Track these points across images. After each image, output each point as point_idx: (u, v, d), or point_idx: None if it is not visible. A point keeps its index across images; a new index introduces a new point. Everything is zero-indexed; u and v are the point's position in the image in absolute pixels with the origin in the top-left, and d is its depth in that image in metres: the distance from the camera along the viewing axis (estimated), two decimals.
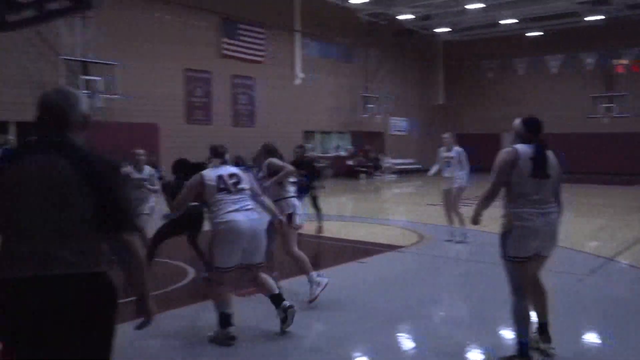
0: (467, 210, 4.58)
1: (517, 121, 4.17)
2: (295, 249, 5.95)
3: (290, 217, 5.93)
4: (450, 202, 9.27)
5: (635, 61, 28.11)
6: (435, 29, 30.47)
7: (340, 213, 14.33)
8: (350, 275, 7.21)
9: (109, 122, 16.51)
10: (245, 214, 4.65)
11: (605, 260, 7.93)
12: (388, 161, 28.92)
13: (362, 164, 26.82)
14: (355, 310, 5.56)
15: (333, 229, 10.58)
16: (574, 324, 5.19)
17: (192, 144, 16.84)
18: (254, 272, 4.84)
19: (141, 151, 7.72)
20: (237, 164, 6.52)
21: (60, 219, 2.18)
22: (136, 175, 7.47)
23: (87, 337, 2.20)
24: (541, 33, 29.46)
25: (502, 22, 28.15)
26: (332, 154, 26.95)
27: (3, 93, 15.23)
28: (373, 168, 27.50)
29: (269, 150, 6.29)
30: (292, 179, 10.82)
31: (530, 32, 29.62)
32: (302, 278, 6.98)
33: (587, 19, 26.61)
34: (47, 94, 2.36)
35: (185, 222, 6.78)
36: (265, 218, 5.39)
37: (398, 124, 31.16)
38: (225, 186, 4.71)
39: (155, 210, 7.77)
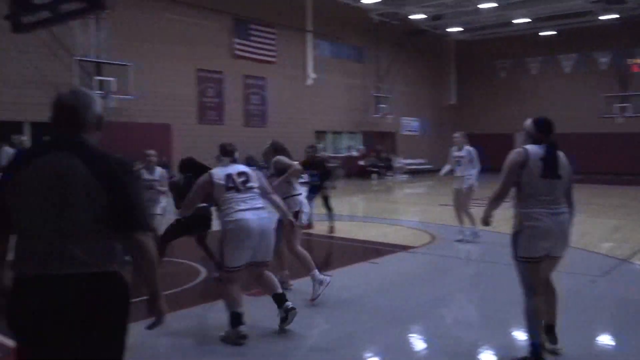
0: (478, 211, 4.56)
1: (528, 121, 4.15)
2: (299, 246, 5.96)
3: (296, 214, 5.95)
4: (461, 202, 9.26)
5: None
6: (447, 28, 30.36)
7: (351, 213, 14.32)
8: (361, 276, 7.20)
9: (122, 122, 16.62)
10: (254, 212, 4.65)
11: (619, 262, 7.86)
12: (400, 161, 28.85)
13: (373, 164, 26.77)
14: (365, 310, 5.55)
15: (344, 229, 10.58)
16: (586, 325, 5.16)
17: (204, 144, 16.90)
18: (260, 269, 4.86)
19: (152, 152, 7.75)
20: (248, 163, 6.55)
21: (75, 219, 2.19)
22: (147, 176, 7.51)
23: (100, 336, 2.22)
24: (554, 32, 29.24)
25: (515, 21, 27.97)
26: (344, 154, 26.92)
27: (18, 94, 15.39)
28: (385, 168, 27.44)
29: (277, 148, 6.32)
30: (303, 179, 10.89)
31: (544, 31, 29.40)
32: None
33: (601, 18, 26.37)
34: (61, 94, 2.38)
35: (194, 222, 6.81)
36: (275, 216, 5.40)
37: (410, 124, 31.08)
38: (234, 185, 4.72)
39: (167, 211, 7.82)
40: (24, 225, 2.24)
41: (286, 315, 4.82)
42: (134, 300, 2.33)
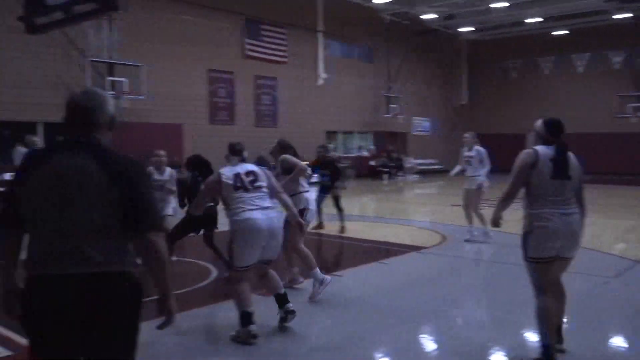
0: (489, 211, 4.55)
1: (539, 122, 4.15)
2: (302, 245, 5.97)
3: (302, 212, 5.96)
4: (471, 201, 9.27)
5: None
6: (458, 28, 30.25)
7: (362, 213, 14.31)
8: (372, 276, 7.20)
9: (134, 122, 16.72)
10: (263, 212, 4.66)
11: (632, 263, 7.78)
12: (410, 161, 28.78)
13: (384, 164, 26.73)
14: (376, 311, 5.55)
15: (355, 229, 10.57)
16: (599, 326, 5.12)
17: (216, 144, 16.96)
18: (265, 267, 4.88)
19: (162, 152, 7.79)
20: (259, 163, 6.56)
21: (88, 219, 2.21)
22: (157, 176, 7.56)
23: (112, 335, 2.24)
24: (567, 32, 29.02)
25: (527, 20, 27.80)
26: (354, 154, 26.90)
27: (31, 94, 15.53)
28: (395, 168, 27.38)
29: (284, 147, 6.33)
30: (314, 179, 10.90)
31: (556, 30, 29.19)
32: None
33: (615, 16, 26.13)
34: (74, 95, 2.40)
35: (199, 221, 6.85)
36: (283, 215, 5.41)
37: (421, 124, 30.99)
38: (242, 184, 4.72)
39: (178, 211, 7.86)
40: (38, 224, 2.25)
41: (285, 316, 4.90)
42: (144, 299, 2.35)
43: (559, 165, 3.93)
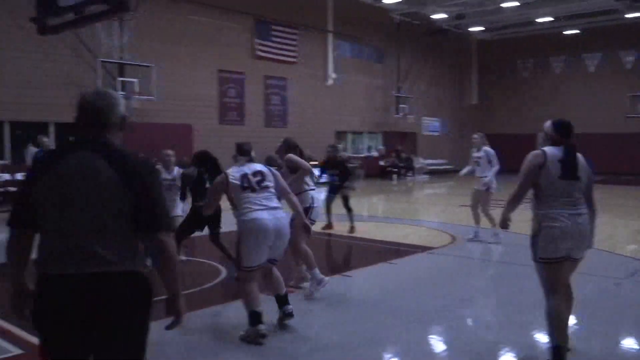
0: (499, 212, 4.53)
1: (548, 123, 4.15)
2: (304, 244, 5.99)
3: (307, 210, 5.97)
4: (478, 202, 9.30)
5: None
6: (469, 28, 30.13)
7: (372, 213, 14.30)
8: (381, 276, 7.19)
9: (144, 123, 16.81)
10: (270, 212, 4.67)
11: None
12: (420, 162, 28.71)
13: (394, 164, 26.68)
14: (385, 311, 5.54)
15: (364, 230, 10.57)
16: (610, 327, 5.08)
17: (225, 145, 17.01)
18: (270, 266, 4.90)
19: (170, 152, 7.85)
20: (268, 163, 6.58)
21: (99, 218, 2.22)
22: (165, 175, 7.62)
23: (123, 335, 2.25)
24: (578, 31, 28.82)
25: (538, 20, 27.65)
26: (364, 154, 26.88)
27: (43, 95, 15.66)
28: (405, 169, 27.33)
29: (290, 146, 6.34)
30: (323, 179, 10.90)
31: (567, 30, 29.01)
32: (335, 278, 7.02)
33: (627, 16, 25.92)
34: (86, 95, 2.41)
35: (202, 219, 6.89)
36: (289, 215, 5.42)
37: (431, 124, 30.90)
38: (249, 185, 4.74)
39: (186, 211, 7.89)
40: (49, 224, 2.26)
41: (283, 317, 4.95)
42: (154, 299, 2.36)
43: (568, 166, 3.92)
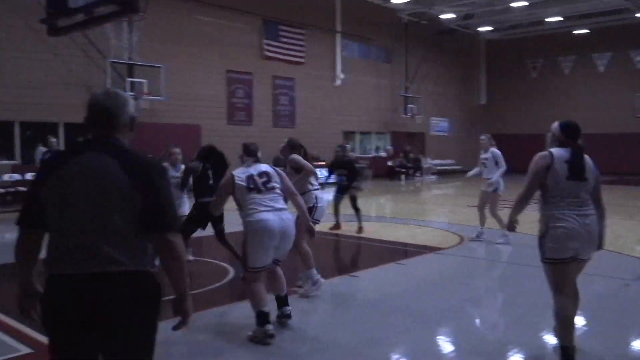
0: (507, 212, 4.52)
1: (555, 124, 4.16)
2: (304, 243, 6.01)
3: (310, 209, 5.98)
4: (486, 203, 9.35)
5: None
6: (477, 27, 30.04)
7: (379, 214, 14.28)
8: (389, 277, 7.19)
9: (153, 123, 16.89)
10: (275, 213, 4.68)
11: None
12: (428, 162, 28.66)
13: (402, 164, 26.64)
14: (393, 311, 5.54)
15: (372, 230, 10.56)
16: (619, 328, 5.05)
17: (234, 145, 17.05)
18: (274, 266, 4.92)
19: (177, 149, 7.92)
20: (276, 164, 6.60)
21: (108, 218, 2.23)
22: (173, 173, 7.69)
23: (131, 334, 2.26)
24: (587, 31, 28.66)
25: (547, 19, 27.51)
26: (372, 154, 26.86)
27: (53, 95, 15.77)
28: (413, 169, 27.28)
29: (294, 146, 6.34)
30: (331, 180, 10.90)
31: (577, 29, 28.85)
32: (343, 278, 7.03)
33: (637, 15, 25.74)
34: (96, 95, 2.42)
35: (205, 217, 6.92)
36: (294, 215, 5.43)
37: (439, 125, 30.83)
38: (255, 186, 4.75)
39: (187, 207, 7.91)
40: (58, 224, 2.28)
41: (281, 317, 4.96)
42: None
43: (575, 167, 3.93)
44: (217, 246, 7.47)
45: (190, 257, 7.39)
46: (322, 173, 19.62)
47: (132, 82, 16.90)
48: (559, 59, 30.68)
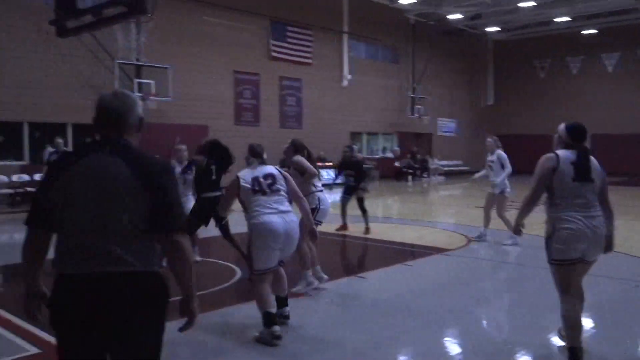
0: (514, 213, 4.51)
1: (562, 126, 4.16)
2: (304, 244, 6.01)
3: (312, 211, 5.97)
4: (492, 205, 9.36)
5: None
6: (485, 28, 29.95)
7: (386, 215, 14.26)
8: (396, 278, 7.17)
9: (160, 124, 16.93)
10: (280, 215, 4.69)
11: None
12: (435, 163, 28.59)
13: (409, 165, 26.60)
14: (400, 312, 5.52)
15: (380, 231, 10.54)
16: (628, 331, 5.02)
17: (241, 146, 17.08)
18: (277, 267, 4.93)
19: (182, 146, 8.03)
20: (282, 165, 6.61)
21: (116, 218, 2.24)
22: (179, 169, 7.76)
23: (139, 334, 2.26)
24: (596, 31, 28.50)
25: (555, 20, 27.39)
26: (379, 155, 26.84)
27: (61, 96, 15.86)
28: (420, 170, 27.23)
29: (297, 147, 6.33)
30: (338, 180, 10.89)
31: (585, 30, 28.71)
32: (350, 279, 7.02)
33: None
34: (104, 96, 2.43)
35: (207, 213, 6.94)
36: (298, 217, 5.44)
37: (446, 125, 30.76)
38: (260, 188, 4.76)
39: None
40: (67, 224, 2.28)
41: (280, 318, 4.96)
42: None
43: (581, 168, 3.94)
44: (224, 247, 7.47)
45: (198, 258, 7.41)
46: (329, 174, 19.73)
47: (139, 83, 16.96)
48: (567, 59, 30.54)
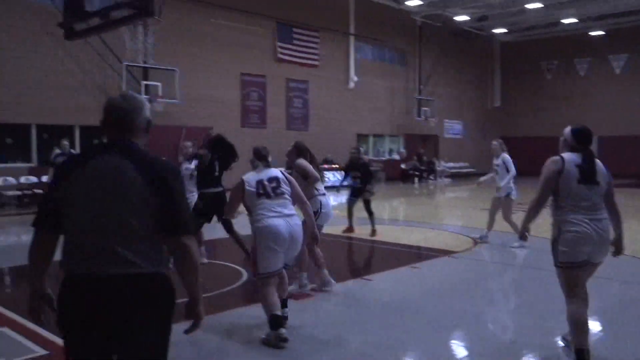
0: (520, 215, 4.49)
1: (567, 129, 4.19)
2: (304, 246, 6.02)
3: (314, 214, 5.98)
4: (497, 209, 9.35)
5: None
6: (492, 29, 29.88)
7: (393, 217, 14.23)
8: (403, 280, 7.15)
9: (167, 126, 16.99)
10: (284, 219, 4.70)
11: None
12: (442, 165, 28.53)
13: (415, 167, 26.55)
14: (406, 315, 5.51)
15: (386, 233, 10.52)
16: (635, 334, 4.98)
17: (247, 148, 17.09)
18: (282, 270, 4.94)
19: (189, 143, 8.12)
20: (289, 167, 6.61)
21: (124, 220, 2.24)
22: (186, 165, 7.80)
23: (145, 336, 2.26)
24: (603, 32, 28.38)
25: (562, 21, 27.29)
26: (385, 157, 26.81)
27: (69, 98, 15.95)
28: (426, 172, 27.18)
29: (300, 150, 6.32)
30: (345, 183, 10.87)
31: (592, 31, 28.59)
32: (356, 281, 7.01)
33: None
34: (113, 99, 2.44)
35: (209, 208, 6.93)
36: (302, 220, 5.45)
37: (453, 127, 30.69)
38: (265, 191, 4.77)
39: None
40: (74, 225, 2.30)
41: None
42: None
43: (586, 171, 3.96)
44: (231, 249, 7.48)
45: (205, 260, 7.42)
46: (335, 176, 19.71)
47: (147, 85, 17.04)
48: (574, 61, 30.41)
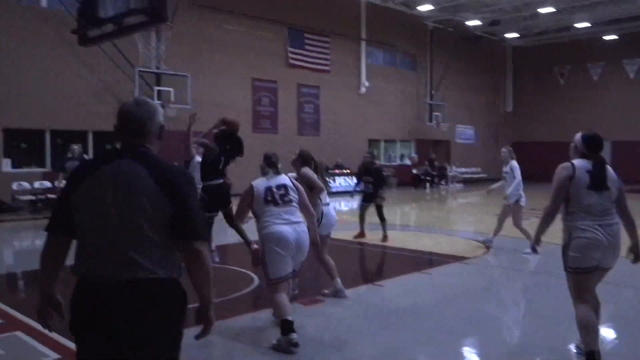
0: (531, 222, 4.47)
1: (578, 136, 4.20)
2: (326, 254, 6.18)
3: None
4: (507, 215, 9.33)
5: None
6: (504, 34, 29.76)
7: (404, 222, 14.19)
8: (414, 286, 7.12)
9: (180, 131, 17.06)
10: (291, 226, 4.74)
11: None
12: (453, 170, 28.41)
13: (427, 172, 26.47)
14: (415, 321, 5.49)
15: (397, 239, 10.50)
16: None
17: (259, 153, 17.12)
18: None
19: (201, 139, 8.26)
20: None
21: (136, 225, 2.25)
22: (198, 159, 7.93)
23: (156, 341, 2.27)
24: (617, 37, 28.16)
25: (575, 25, 27.13)
26: (397, 162, 26.75)
27: (82, 104, 16.08)
28: (438, 177, 27.08)
29: (305, 158, 6.31)
30: (358, 189, 10.86)
31: (606, 35, 28.38)
32: (368, 286, 7.01)
33: None
34: (126, 104, 2.46)
35: (213, 202, 7.02)
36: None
37: (464, 132, 30.53)
38: (272, 198, 4.80)
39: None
40: (86, 230, 2.31)
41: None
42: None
43: (597, 177, 3.97)
44: (242, 253, 7.48)
45: (216, 259, 7.50)
46: (346, 181, 19.69)
47: (159, 91, 17.15)
48: (587, 66, 30.19)
